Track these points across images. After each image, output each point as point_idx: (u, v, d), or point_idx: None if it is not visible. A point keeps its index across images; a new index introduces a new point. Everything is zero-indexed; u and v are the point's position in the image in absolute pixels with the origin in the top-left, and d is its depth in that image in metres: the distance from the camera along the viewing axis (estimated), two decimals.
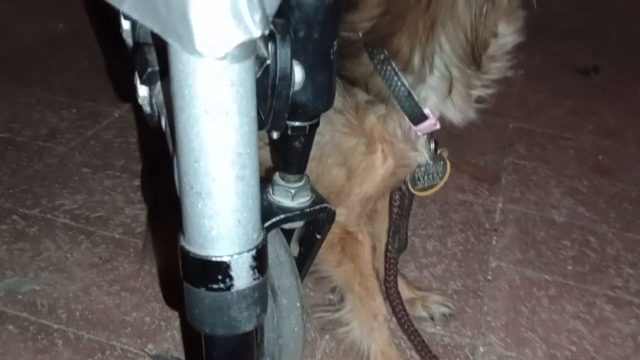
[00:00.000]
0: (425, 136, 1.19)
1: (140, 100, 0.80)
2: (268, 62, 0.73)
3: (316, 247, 1.09)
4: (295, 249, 1.15)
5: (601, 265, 1.69)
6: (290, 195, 0.94)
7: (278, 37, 0.73)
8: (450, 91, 1.12)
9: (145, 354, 1.31)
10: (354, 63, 1.13)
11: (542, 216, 1.88)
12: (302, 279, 1.09)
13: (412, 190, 1.27)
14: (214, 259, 0.67)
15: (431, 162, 1.23)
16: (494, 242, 1.75)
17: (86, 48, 2.65)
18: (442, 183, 1.29)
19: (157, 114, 0.80)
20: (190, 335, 1.34)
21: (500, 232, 1.79)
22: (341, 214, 1.19)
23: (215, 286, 0.69)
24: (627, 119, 2.53)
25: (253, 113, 0.62)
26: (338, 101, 1.12)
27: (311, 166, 1.13)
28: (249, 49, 0.59)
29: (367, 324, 1.26)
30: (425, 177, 1.27)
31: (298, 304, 1.03)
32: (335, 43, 0.82)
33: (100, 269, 1.52)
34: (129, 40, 0.86)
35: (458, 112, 1.16)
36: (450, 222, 1.82)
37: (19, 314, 1.37)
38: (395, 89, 1.11)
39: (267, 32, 0.66)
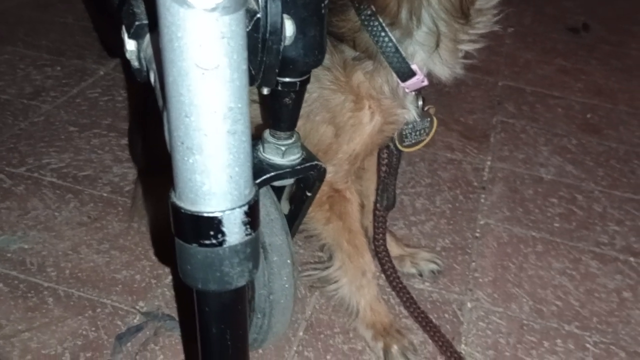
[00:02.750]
0: (413, 93, 1.18)
1: (128, 55, 0.78)
2: (258, 15, 0.72)
3: (306, 205, 1.09)
4: (285, 207, 1.15)
5: (588, 223, 1.71)
6: (280, 153, 0.94)
7: None
8: (437, 46, 1.11)
9: (136, 311, 1.32)
10: (340, 19, 1.11)
11: (530, 174, 1.89)
12: (292, 236, 1.09)
13: (399, 146, 1.27)
14: (205, 214, 0.67)
15: (419, 119, 1.23)
16: (482, 200, 1.76)
17: (70, 5, 2.60)
18: (428, 139, 1.29)
19: (145, 69, 0.79)
20: (182, 292, 1.35)
21: (489, 190, 1.80)
22: (329, 172, 1.19)
23: (207, 242, 0.69)
24: (616, 78, 2.53)
25: (244, 67, 0.61)
26: (325, 58, 1.11)
27: (299, 124, 1.13)
28: (239, 0, 0.58)
29: (356, 281, 1.28)
30: (413, 134, 1.27)
31: (289, 261, 1.03)
32: None
33: (89, 228, 1.52)
34: None
35: (446, 68, 1.15)
36: (439, 180, 1.82)
37: (8, 273, 1.37)
38: (383, 44, 1.09)
39: None
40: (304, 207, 1.09)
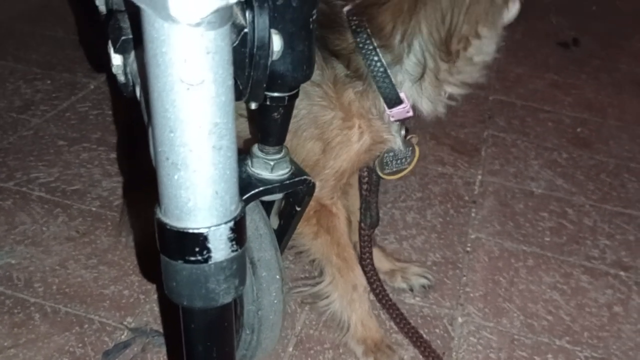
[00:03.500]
0: (398, 122, 1.19)
1: (114, 70, 0.78)
2: (245, 30, 0.72)
3: (296, 220, 1.08)
4: (274, 222, 1.14)
5: (578, 237, 1.71)
6: (269, 167, 0.94)
7: (256, 4, 0.71)
8: (422, 78, 1.13)
9: (124, 327, 1.30)
10: (337, 37, 1.13)
11: (521, 188, 1.89)
12: (282, 251, 1.09)
13: (380, 173, 1.28)
14: (191, 230, 0.66)
15: (401, 148, 1.25)
16: (473, 214, 1.75)
17: (60, 19, 2.59)
18: (409, 168, 1.31)
19: (131, 84, 0.78)
20: (169, 308, 1.33)
21: (480, 204, 1.80)
22: (315, 187, 1.19)
23: (192, 258, 0.68)
24: (605, 92, 2.54)
25: (230, 82, 0.61)
26: (316, 73, 1.11)
27: (287, 139, 1.13)
28: (225, 15, 0.57)
29: (347, 295, 1.27)
30: (394, 162, 1.28)
31: (278, 277, 1.02)
32: (314, 12, 0.81)
33: (78, 243, 1.50)
34: (102, 7, 0.84)
35: (429, 103, 1.17)
36: (429, 195, 1.82)
37: None
38: (374, 67, 1.11)
39: None
40: (293, 222, 1.08)
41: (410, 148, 1.28)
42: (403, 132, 1.23)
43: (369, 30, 1.10)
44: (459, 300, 1.46)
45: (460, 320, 1.41)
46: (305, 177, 0.96)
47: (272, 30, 0.75)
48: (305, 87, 1.10)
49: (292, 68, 0.82)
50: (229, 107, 0.62)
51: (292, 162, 0.97)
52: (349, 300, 1.27)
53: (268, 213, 1.14)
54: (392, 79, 1.12)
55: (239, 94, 0.76)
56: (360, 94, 1.14)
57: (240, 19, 0.72)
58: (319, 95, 1.15)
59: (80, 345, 1.25)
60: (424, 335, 1.32)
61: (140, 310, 1.34)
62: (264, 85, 0.79)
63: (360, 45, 1.10)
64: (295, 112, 1.11)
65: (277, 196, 0.99)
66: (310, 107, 1.15)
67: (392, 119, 1.18)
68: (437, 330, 1.38)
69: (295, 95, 0.89)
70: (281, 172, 0.95)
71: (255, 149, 0.94)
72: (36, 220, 1.56)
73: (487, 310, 1.44)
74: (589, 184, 1.94)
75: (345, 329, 1.29)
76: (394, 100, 1.14)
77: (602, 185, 1.94)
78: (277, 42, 0.76)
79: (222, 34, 0.58)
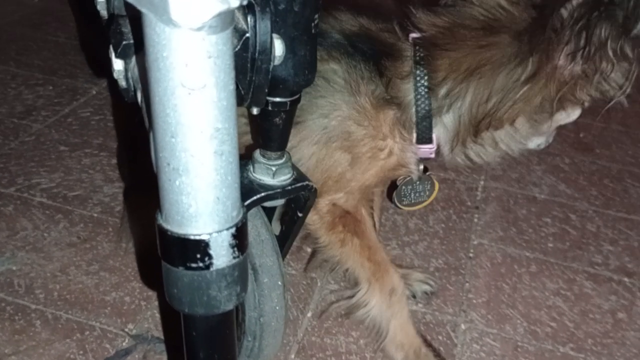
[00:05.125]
0: (418, 158, 1.21)
1: (115, 75, 0.77)
2: (247, 35, 0.72)
3: (298, 226, 1.08)
4: (276, 227, 1.14)
5: (581, 242, 1.70)
6: (271, 173, 0.93)
7: (257, 9, 0.71)
8: (454, 135, 1.15)
9: (125, 333, 1.30)
10: (391, 59, 1.13)
11: (524, 194, 1.88)
12: (283, 257, 1.08)
13: (398, 204, 1.30)
14: (192, 237, 0.66)
15: (418, 182, 1.27)
16: (475, 220, 1.75)
17: (62, 24, 2.59)
18: (428, 201, 1.33)
19: (133, 89, 0.78)
20: (170, 315, 1.33)
21: (482, 210, 1.79)
22: (340, 199, 1.19)
23: (193, 265, 0.67)
24: None
25: (231, 86, 0.61)
26: (352, 85, 1.13)
27: (313, 149, 1.15)
28: (227, 19, 0.57)
29: (386, 300, 1.23)
30: (412, 194, 1.30)
31: (279, 283, 1.02)
32: (316, 16, 0.80)
33: (79, 248, 1.50)
34: (103, 12, 0.84)
35: (450, 153, 1.19)
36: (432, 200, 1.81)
37: None
38: (420, 103, 1.12)
39: (245, 2, 0.64)
40: (295, 227, 1.08)
41: (429, 182, 1.30)
42: (421, 167, 1.24)
43: (427, 68, 1.11)
44: (461, 306, 1.45)
45: (463, 326, 1.40)
46: (307, 182, 0.95)
47: (274, 35, 0.74)
48: (339, 98, 1.13)
49: (294, 73, 0.82)
50: (231, 112, 0.62)
51: (294, 167, 0.96)
52: (387, 305, 1.23)
53: (270, 219, 1.13)
54: (432, 120, 1.13)
55: (240, 99, 0.76)
56: (396, 119, 1.15)
57: (242, 24, 0.71)
58: (355, 107, 1.14)
59: (81, 352, 1.24)
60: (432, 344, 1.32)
61: (141, 317, 1.34)
62: (266, 90, 0.78)
63: (418, 77, 1.11)
64: (325, 122, 1.13)
65: (279, 202, 0.98)
66: (344, 120, 1.15)
67: (415, 153, 1.19)
68: (440, 337, 1.37)
69: (298, 100, 0.89)
70: (283, 178, 0.94)
71: (257, 154, 0.94)
72: (37, 226, 1.55)
73: (490, 316, 1.43)
74: (591, 189, 1.94)
75: (384, 334, 1.25)
76: (425, 139, 1.15)
77: (605, 190, 1.94)
78: (279, 47, 0.76)
79: (224, 38, 0.57)
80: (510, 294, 1.50)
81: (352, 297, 1.26)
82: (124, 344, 1.27)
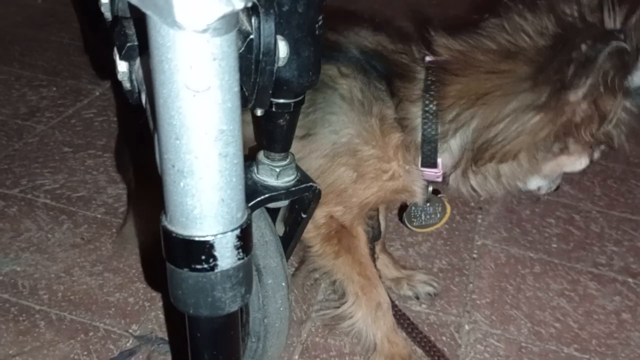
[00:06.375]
0: (425, 182, 1.21)
1: (119, 76, 0.77)
2: (251, 36, 0.72)
3: (301, 227, 1.08)
4: (280, 229, 1.14)
5: (585, 243, 1.70)
6: (275, 174, 0.93)
7: (261, 10, 0.71)
8: (458, 161, 1.15)
9: (129, 334, 1.30)
10: (404, 80, 1.14)
11: (527, 194, 1.88)
12: (287, 258, 1.08)
13: (408, 225, 1.31)
14: (197, 238, 0.66)
15: (427, 204, 1.27)
16: (479, 221, 1.74)
17: (66, 25, 2.60)
18: (440, 223, 1.33)
19: (137, 91, 0.78)
20: (174, 316, 1.33)
21: (486, 211, 1.79)
22: (338, 211, 1.20)
23: (198, 266, 0.67)
24: None
25: (236, 88, 0.61)
26: (365, 103, 1.14)
27: (321, 162, 1.15)
28: (231, 21, 0.57)
29: (371, 314, 1.24)
30: (423, 216, 1.31)
31: (283, 284, 1.02)
32: (320, 18, 0.80)
33: (83, 249, 1.50)
34: (107, 14, 0.84)
35: (456, 180, 1.20)
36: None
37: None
38: (427, 127, 1.12)
39: (249, 4, 0.65)
40: (299, 229, 1.08)
41: (441, 204, 1.30)
42: (430, 189, 1.24)
43: (437, 93, 1.11)
44: (465, 307, 1.45)
45: (467, 327, 1.40)
46: (311, 183, 0.95)
47: (278, 37, 0.74)
48: (348, 114, 1.14)
49: (297, 74, 0.82)
50: (235, 113, 0.62)
51: (297, 168, 0.96)
52: (373, 318, 1.24)
53: (274, 220, 1.13)
54: (438, 145, 1.13)
55: (244, 101, 0.76)
56: (403, 141, 1.15)
57: (246, 25, 0.71)
58: (364, 127, 1.15)
59: (85, 353, 1.24)
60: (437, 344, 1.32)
61: (145, 318, 1.34)
62: (270, 91, 0.78)
63: (426, 102, 1.11)
64: (334, 137, 1.15)
65: (283, 203, 0.98)
66: (353, 138, 1.15)
67: (422, 177, 1.20)
68: (444, 338, 1.37)
69: (302, 102, 0.89)
70: (287, 179, 0.94)
71: (261, 155, 0.94)
72: (41, 227, 1.56)
73: (494, 317, 1.43)
74: (595, 190, 1.93)
75: (372, 347, 1.26)
76: (429, 163, 1.16)
77: (609, 191, 1.93)
78: (283, 48, 0.76)
79: (228, 40, 0.57)
80: (514, 294, 1.50)
81: (338, 307, 1.27)
82: (128, 344, 1.27)
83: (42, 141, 1.89)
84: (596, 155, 1.16)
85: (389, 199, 1.24)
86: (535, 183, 1.23)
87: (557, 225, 1.76)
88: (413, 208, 1.29)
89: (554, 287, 1.53)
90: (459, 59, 1.11)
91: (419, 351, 1.32)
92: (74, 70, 2.30)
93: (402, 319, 1.35)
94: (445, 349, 1.33)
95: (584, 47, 0.99)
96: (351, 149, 1.15)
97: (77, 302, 1.36)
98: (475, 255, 1.61)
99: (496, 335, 1.38)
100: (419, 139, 1.14)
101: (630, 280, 1.58)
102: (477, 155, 1.11)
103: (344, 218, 1.21)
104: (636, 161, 2.10)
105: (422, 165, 1.17)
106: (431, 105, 1.11)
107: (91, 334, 1.29)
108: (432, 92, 1.11)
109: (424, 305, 1.44)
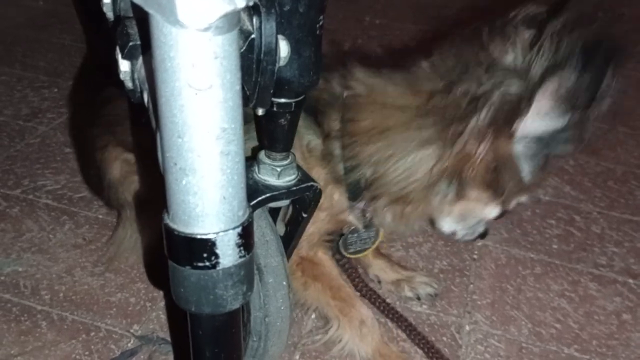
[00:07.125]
0: (360, 210, 1.21)
1: (122, 76, 0.78)
2: (253, 36, 0.72)
3: (302, 226, 1.08)
4: (281, 228, 1.14)
5: (586, 244, 1.70)
6: (276, 174, 0.93)
7: (263, 10, 0.71)
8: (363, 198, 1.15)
9: (130, 334, 1.30)
10: (325, 116, 1.13)
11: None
12: (288, 258, 1.08)
13: (344, 253, 1.31)
14: (199, 236, 0.66)
15: (364, 230, 1.27)
16: None
17: (67, 26, 2.61)
18: (373, 247, 1.34)
19: (139, 90, 0.78)
20: (176, 316, 1.33)
21: None
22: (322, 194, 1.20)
23: (200, 264, 0.68)
24: (613, 98, 2.53)
25: (238, 87, 0.61)
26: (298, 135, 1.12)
27: None
28: (233, 20, 0.57)
29: (357, 332, 1.25)
30: (358, 242, 1.31)
31: (284, 283, 1.02)
32: (322, 17, 0.81)
33: (84, 250, 1.50)
34: (109, 14, 0.84)
35: (377, 216, 1.20)
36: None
37: (1, 296, 1.35)
38: (346, 162, 1.12)
39: (251, 3, 0.65)
40: (299, 228, 1.08)
41: (374, 230, 1.29)
42: (368, 215, 1.22)
43: (347, 127, 1.10)
44: (466, 308, 1.45)
45: (467, 328, 1.40)
46: (311, 183, 0.96)
47: (279, 36, 0.75)
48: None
49: (298, 74, 0.82)
50: (237, 112, 0.62)
51: (298, 168, 0.96)
52: (360, 337, 1.25)
53: (275, 219, 1.14)
54: (355, 179, 1.12)
55: (246, 100, 0.76)
56: (328, 175, 1.15)
57: (247, 25, 0.72)
58: (301, 157, 1.14)
59: (86, 353, 1.25)
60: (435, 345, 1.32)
61: (146, 318, 1.34)
62: (271, 91, 0.78)
63: (343, 137, 1.11)
64: None
65: (284, 202, 0.99)
66: None
67: (353, 208, 1.20)
68: (445, 339, 1.37)
69: (303, 101, 0.89)
70: (288, 179, 0.94)
71: (262, 155, 0.94)
72: (43, 227, 1.56)
73: (495, 318, 1.43)
74: (596, 191, 1.94)
75: None
76: (354, 196, 1.16)
77: (609, 192, 1.93)
78: (284, 48, 0.76)
79: (230, 39, 0.58)
80: (514, 295, 1.50)
81: (326, 333, 1.28)
82: (129, 344, 1.28)
83: (43, 142, 1.89)
84: (513, 204, 1.15)
85: (331, 229, 1.25)
86: (447, 227, 1.22)
87: (557, 226, 1.76)
88: (349, 235, 1.29)
89: (555, 288, 1.54)
90: (369, 94, 1.10)
91: (420, 351, 1.32)
92: (75, 72, 2.30)
93: (399, 322, 1.35)
94: (446, 350, 1.34)
95: (484, 83, 0.98)
96: None
97: (79, 302, 1.36)
98: (475, 256, 1.62)
99: (497, 335, 1.39)
100: (342, 171, 1.14)
101: (630, 281, 1.59)
102: (372, 191, 1.11)
103: (301, 251, 1.22)
104: (637, 162, 2.10)
105: (349, 199, 1.17)
106: (345, 141, 1.11)
107: (92, 334, 1.29)
108: (346, 128, 1.10)
109: (424, 306, 1.45)
